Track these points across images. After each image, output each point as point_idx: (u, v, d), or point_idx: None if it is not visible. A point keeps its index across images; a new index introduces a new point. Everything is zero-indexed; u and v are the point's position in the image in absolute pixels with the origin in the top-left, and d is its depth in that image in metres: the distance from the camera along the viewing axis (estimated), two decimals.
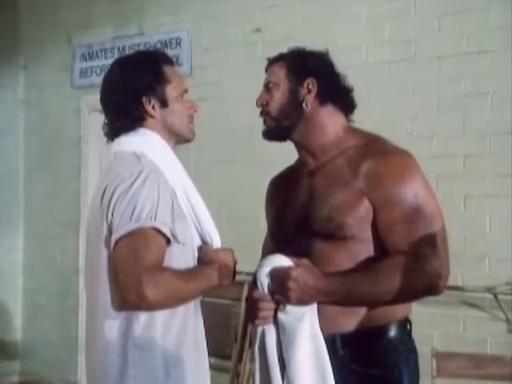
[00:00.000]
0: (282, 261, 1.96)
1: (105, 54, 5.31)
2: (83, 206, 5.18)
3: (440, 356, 3.16)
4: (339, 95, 2.11)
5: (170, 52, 4.63)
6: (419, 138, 3.83)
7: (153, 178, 1.88)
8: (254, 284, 2.02)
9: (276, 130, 2.12)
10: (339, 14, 4.20)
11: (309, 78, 2.07)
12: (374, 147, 2.04)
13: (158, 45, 4.85)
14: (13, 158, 5.82)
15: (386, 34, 4.01)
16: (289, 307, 1.94)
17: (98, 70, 5.27)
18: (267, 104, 2.10)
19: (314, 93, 2.07)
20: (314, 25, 4.23)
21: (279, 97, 2.08)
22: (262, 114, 2.13)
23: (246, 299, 2.08)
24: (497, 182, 3.65)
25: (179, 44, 4.88)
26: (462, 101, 3.76)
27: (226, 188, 4.51)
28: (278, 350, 1.96)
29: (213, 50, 4.71)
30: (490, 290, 3.59)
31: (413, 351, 2.07)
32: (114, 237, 1.84)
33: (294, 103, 2.07)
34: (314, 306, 1.95)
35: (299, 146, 2.14)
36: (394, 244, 1.94)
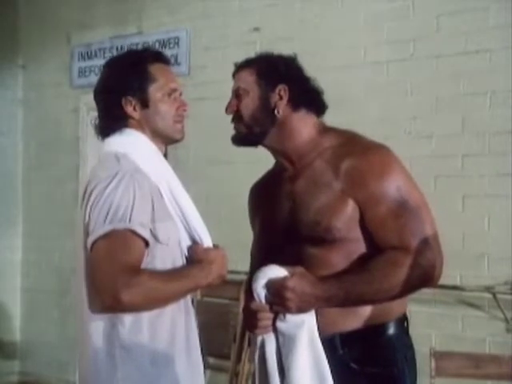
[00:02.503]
0: (276, 271, 1.94)
1: (103, 53, 5.30)
2: None
3: (439, 356, 3.16)
4: (311, 99, 2.09)
5: (168, 52, 4.63)
6: (418, 138, 3.84)
7: (128, 180, 1.86)
8: (250, 294, 2.00)
9: (247, 136, 2.10)
10: (337, 13, 4.19)
11: (280, 85, 2.04)
12: (350, 146, 2.02)
13: (157, 44, 4.84)
14: (11, 158, 5.81)
15: (385, 33, 4.00)
16: (288, 316, 1.93)
17: (96, 70, 5.26)
18: (238, 110, 2.08)
19: (285, 99, 2.05)
20: (313, 24, 4.22)
21: (250, 104, 2.06)
22: (233, 120, 2.11)
23: (243, 310, 2.07)
24: (495, 181, 3.65)
25: (177, 44, 4.88)
26: (461, 100, 3.76)
27: (225, 188, 4.51)
28: (277, 358, 1.95)
29: (211, 49, 4.71)
30: (488, 289, 3.58)
31: (410, 348, 2.07)
32: (90, 239, 1.84)
33: (266, 110, 2.05)
34: (313, 312, 1.94)
35: (274, 152, 2.12)
36: (384, 240, 1.94)
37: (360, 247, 1.97)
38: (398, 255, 1.91)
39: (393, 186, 1.94)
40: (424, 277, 1.94)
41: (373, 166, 1.96)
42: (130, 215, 1.82)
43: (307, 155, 2.05)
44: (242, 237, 3.95)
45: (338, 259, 1.97)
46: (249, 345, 4.10)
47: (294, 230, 2.02)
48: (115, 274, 1.78)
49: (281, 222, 2.07)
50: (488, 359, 3.24)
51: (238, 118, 2.09)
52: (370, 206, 1.94)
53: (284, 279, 1.92)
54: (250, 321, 2.00)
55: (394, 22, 3.99)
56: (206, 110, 4.40)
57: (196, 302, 4.03)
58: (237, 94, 2.10)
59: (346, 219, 1.95)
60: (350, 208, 1.95)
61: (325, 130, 2.10)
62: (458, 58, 3.77)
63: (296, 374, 1.89)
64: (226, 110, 2.11)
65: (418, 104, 3.89)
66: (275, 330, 1.95)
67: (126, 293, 1.76)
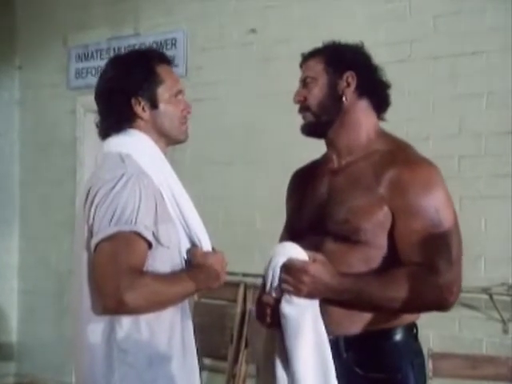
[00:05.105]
0: (298, 252, 1.94)
1: (100, 54, 5.30)
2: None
3: (436, 356, 3.16)
4: (377, 89, 2.09)
5: (165, 53, 4.63)
6: (415, 139, 3.79)
7: (134, 182, 1.86)
8: (263, 284, 1.99)
9: (315, 126, 2.09)
10: (335, 14, 4.19)
11: (348, 72, 2.05)
12: (400, 155, 2.02)
13: (154, 46, 4.83)
14: (8, 159, 5.80)
15: (382, 34, 4.00)
16: (295, 298, 1.92)
17: (93, 71, 5.26)
18: (305, 99, 2.08)
19: (353, 86, 2.05)
20: (310, 26, 4.22)
21: (318, 91, 2.06)
22: (300, 110, 2.11)
23: (257, 300, 2.07)
24: (492, 182, 3.65)
25: (175, 45, 4.88)
26: (458, 101, 3.76)
27: (222, 189, 4.51)
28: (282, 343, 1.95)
29: (208, 50, 4.70)
30: (485, 290, 3.59)
31: (419, 354, 2.06)
32: (94, 241, 1.84)
33: (333, 97, 2.05)
34: (316, 301, 1.93)
35: (329, 143, 2.12)
36: (409, 254, 1.93)
37: (380, 255, 1.96)
38: (419, 271, 1.90)
39: (431, 204, 1.93)
40: (439, 299, 1.93)
41: (416, 179, 1.95)
42: (136, 217, 1.82)
43: (356, 153, 2.05)
44: (240, 238, 3.96)
45: (356, 261, 1.96)
46: (246, 346, 4.10)
47: (320, 222, 2.01)
48: (119, 275, 1.78)
49: (310, 211, 2.07)
50: (485, 360, 3.25)
51: (305, 107, 2.09)
52: (404, 217, 1.93)
53: (306, 263, 1.91)
54: (263, 316, 2.00)
55: (391, 23, 3.99)
56: (202, 111, 4.39)
57: (193, 304, 4.03)
58: (304, 83, 2.09)
59: (376, 224, 1.94)
60: (383, 215, 1.94)
61: (381, 133, 2.11)
62: (454, 59, 3.77)
63: (298, 359, 1.89)
64: (294, 99, 2.11)
65: (415, 105, 3.89)
66: (282, 318, 1.94)
67: (130, 295, 1.77)
